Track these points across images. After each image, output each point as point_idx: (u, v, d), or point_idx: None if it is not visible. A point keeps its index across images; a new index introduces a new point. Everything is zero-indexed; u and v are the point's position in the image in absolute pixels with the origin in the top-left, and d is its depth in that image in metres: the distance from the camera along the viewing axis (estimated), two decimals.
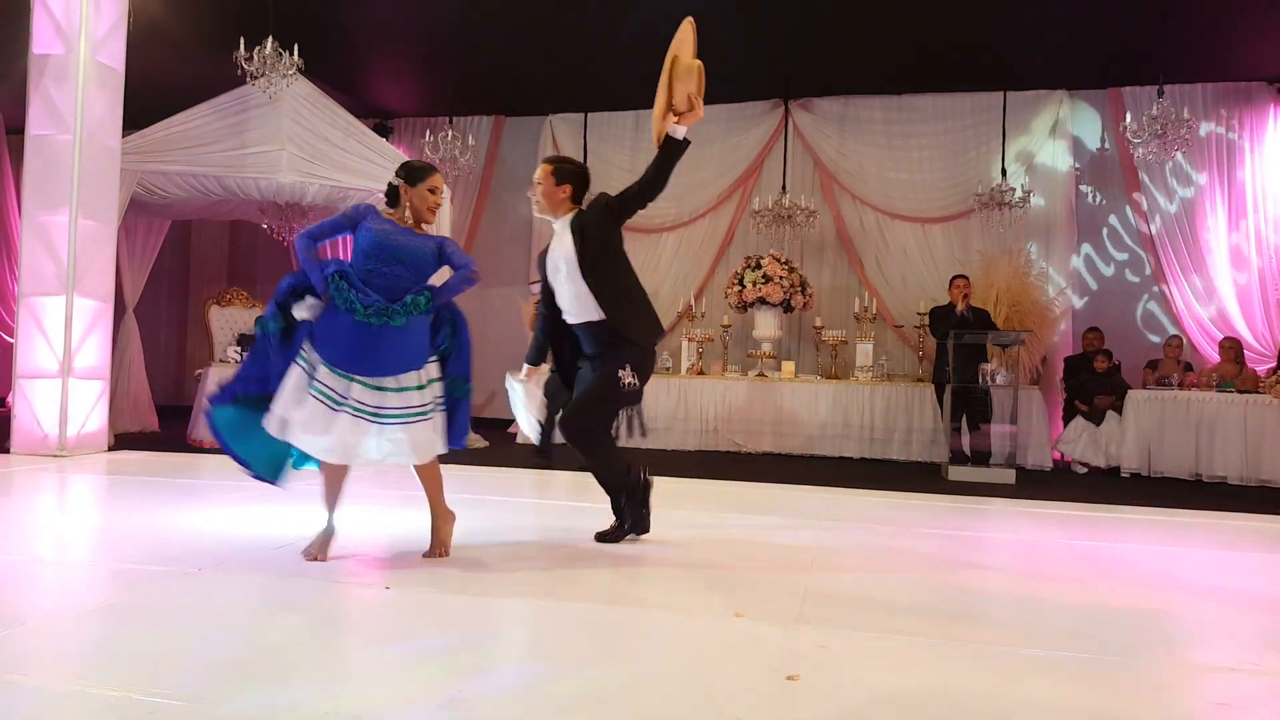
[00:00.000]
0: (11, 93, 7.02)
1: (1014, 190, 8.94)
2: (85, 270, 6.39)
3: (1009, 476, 6.75)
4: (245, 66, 6.88)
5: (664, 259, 10.28)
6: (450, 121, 10.10)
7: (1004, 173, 9.18)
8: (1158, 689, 2.31)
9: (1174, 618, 3.05)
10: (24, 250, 6.38)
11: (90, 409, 6.49)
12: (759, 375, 8.83)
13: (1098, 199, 9.45)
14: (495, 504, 5.08)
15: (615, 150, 10.38)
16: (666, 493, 5.67)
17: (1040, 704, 2.14)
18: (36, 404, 6.29)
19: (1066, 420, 8.23)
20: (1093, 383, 8.07)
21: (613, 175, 10.33)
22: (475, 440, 8.14)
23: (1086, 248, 9.45)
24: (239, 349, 7.82)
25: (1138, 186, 9.09)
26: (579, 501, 5.18)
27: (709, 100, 10.86)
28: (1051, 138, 9.35)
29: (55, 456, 6.20)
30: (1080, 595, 3.29)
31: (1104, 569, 3.76)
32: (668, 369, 9.17)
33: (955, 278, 7.83)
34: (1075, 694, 2.21)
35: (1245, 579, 3.85)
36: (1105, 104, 9.29)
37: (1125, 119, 8.18)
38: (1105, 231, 9.44)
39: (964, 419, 7.32)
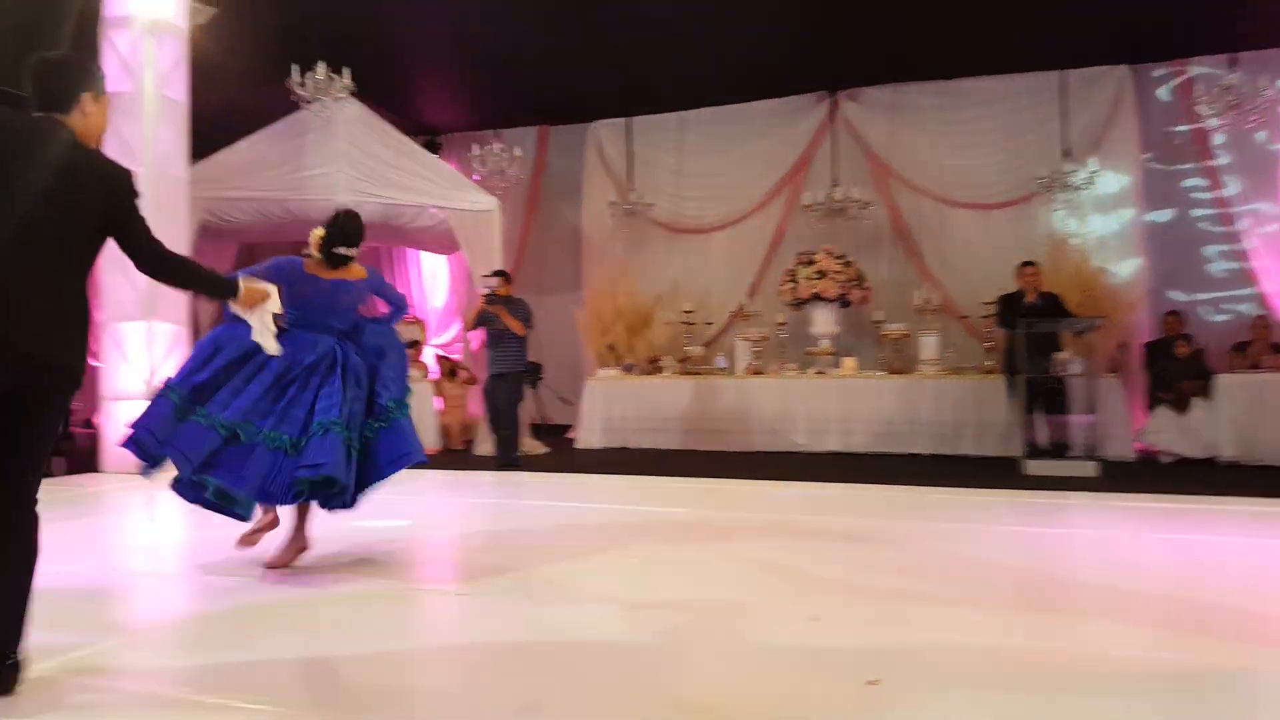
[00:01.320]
0: None
1: (1078, 171, 8.66)
2: (161, 296, 6.62)
3: (1090, 469, 6.47)
4: (299, 92, 7.06)
5: (714, 259, 10.23)
6: (497, 134, 10.22)
7: (1067, 154, 8.91)
8: (1258, 691, 2.21)
9: (1277, 615, 2.90)
10: (105, 279, 6.65)
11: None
12: (818, 373, 8.72)
13: (1168, 175, 9.07)
14: (559, 509, 5.12)
15: (660, 152, 10.38)
16: (733, 495, 5.64)
17: (1133, 707, 2.06)
18: (123, 424, 6.52)
19: (1150, 409, 7.88)
20: (1174, 369, 7.73)
21: (659, 177, 10.35)
22: (536, 446, 8.21)
23: (1159, 226, 9.08)
24: None
25: (1211, 160, 8.65)
26: (650, 506, 5.19)
27: (754, 97, 10.75)
28: (1116, 115, 8.97)
29: (142, 474, 6.43)
30: (1173, 592, 3.16)
31: (1197, 564, 3.60)
32: (723, 369, 9.12)
33: (1023, 265, 7.59)
34: (1170, 697, 2.13)
35: None
36: (1173, 76, 8.92)
37: (1196, 91, 7.79)
38: (1178, 210, 9.05)
39: (1038, 411, 7.08)
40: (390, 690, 2.17)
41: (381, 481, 3.50)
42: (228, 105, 8.06)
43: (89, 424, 8.57)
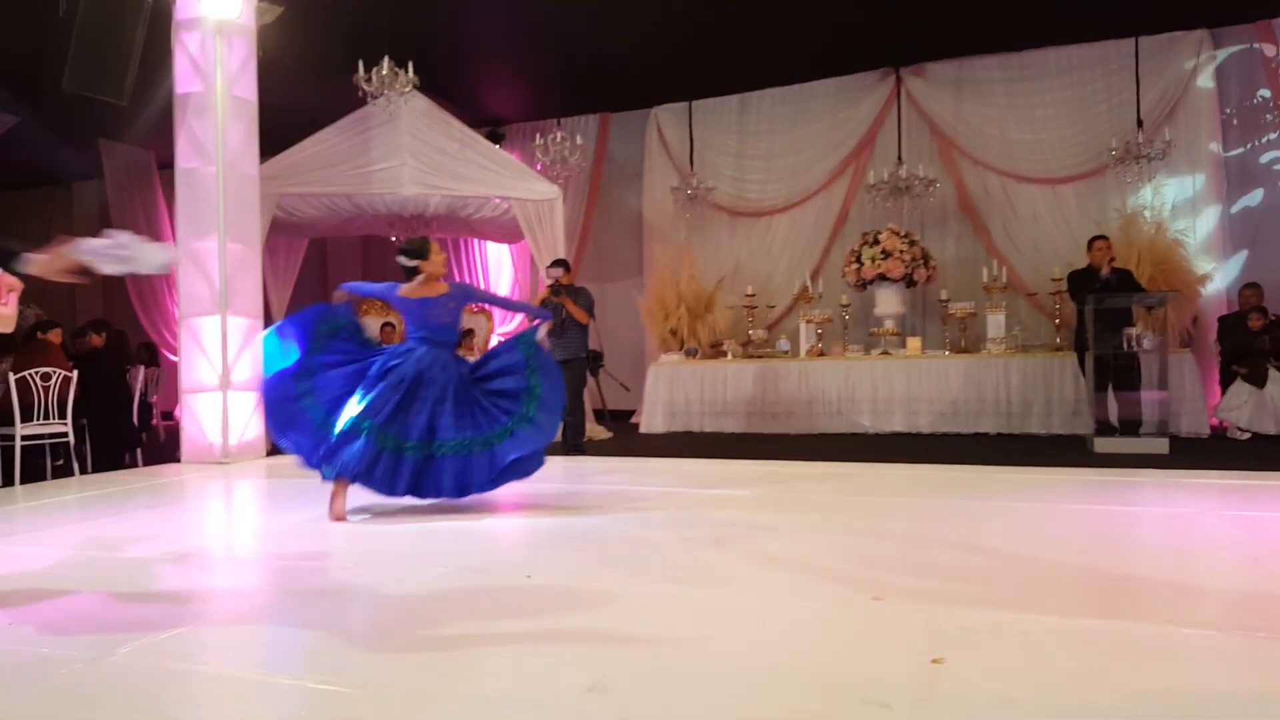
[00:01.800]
0: (160, 130, 7.59)
1: (1152, 143, 8.33)
2: (235, 291, 6.86)
3: (1162, 446, 6.31)
4: (365, 87, 7.20)
5: (776, 241, 10.14)
6: (558, 123, 10.28)
7: (1140, 124, 8.57)
8: None
9: None
10: (181, 276, 6.91)
11: (248, 419, 6.98)
12: (883, 354, 8.59)
13: (1249, 144, 8.68)
14: (624, 492, 5.16)
15: (721, 135, 10.31)
16: (796, 477, 5.62)
17: (1204, 688, 2.01)
18: (201, 416, 6.81)
19: (1225, 385, 7.62)
20: (1250, 342, 7.44)
21: (719, 161, 10.29)
22: (600, 431, 8.28)
23: (1240, 199, 8.71)
24: None
25: None
26: (713, 489, 5.19)
27: (815, 76, 10.61)
28: (1193, 81, 8.64)
29: (220, 464, 6.70)
30: (1247, 572, 3.07)
31: (1273, 543, 3.49)
32: (785, 352, 9.05)
33: (1095, 239, 7.34)
34: (1242, 678, 2.07)
35: None
36: (1254, 37, 8.51)
37: (1278, 52, 7.47)
38: (1260, 180, 8.66)
39: (1110, 387, 6.88)
40: (459, 670, 2.23)
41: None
42: (295, 102, 8.29)
43: (169, 416, 8.94)
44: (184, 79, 6.77)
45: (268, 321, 8.07)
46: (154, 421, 9.28)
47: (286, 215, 8.26)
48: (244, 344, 6.95)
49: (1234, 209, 8.69)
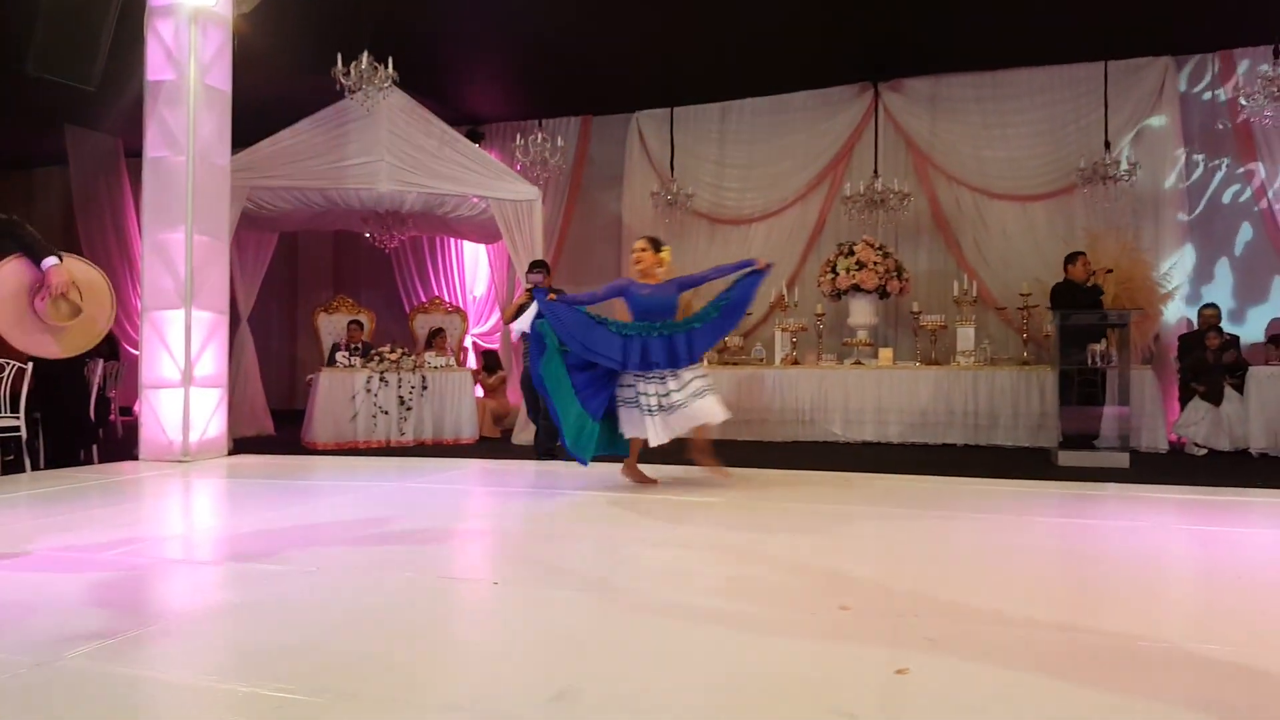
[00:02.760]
0: (129, 118, 7.45)
1: (1119, 163, 8.48)
2: (201, 284, 6.74)
3: (1123, 460, 6.43)
4: (343, 81, 7.12)
5: (754, 249, 10.14)
6: (539, 124, 10.23)
7: (1108, 145, 8.72)
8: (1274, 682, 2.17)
9: None
10: (145, 267, 6.78)
11: (210, 415, 6.86)
12: (855, 363, 8.64)
13: (1210, 168, 8.88)
14: (596, 497, 5.13)
15: (701, 143, 10.33)
16: (766, 483, 5.63)
17: (1165, 699, 2.03)
18: (161, 412, 6.68)
19: (1184, 402, 7.78)
20: (1207, 361, 7.61)
21: (700, 168, 10.30)
22: None
23: (1199, 218, 8.90)
24: (346, 355, 8.13)
25: (1254, 154, 8.51)
26: (685, 495, 5.18)
27: (796, 88, 10.70)
28: (1157, 106, 8.83)
29: (180, 461, 6.57)
30: (1204, 585, 3.13)
31: (1229, 556, 3.56)
32: (760, 360, 9.08)
33: (1079, 254, 7.52)
34: (1203, 688, 2.10)
35: None
36: (1216, 67, 8.72)
37: (1237, 82, 7.65)
38: (1219, 201, 8.87)
39: (1074, 402, 7.00)
40: (423, 678, 2.19)
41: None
42: (270, 94, 8.17)
43: (128, 411, 8.76)
44: (156, 66, 6.65)
45: (233, 317, 7.96)
46: (112, 417, 9.09)
47: (257, 208, 8.14)
48: (208, 339, 6.83)
49: (1195, 230, 8.87)
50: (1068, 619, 2.68)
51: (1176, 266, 8.64)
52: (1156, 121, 8.85)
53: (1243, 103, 7.37)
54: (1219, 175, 8.87)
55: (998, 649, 2.37)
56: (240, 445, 7.58)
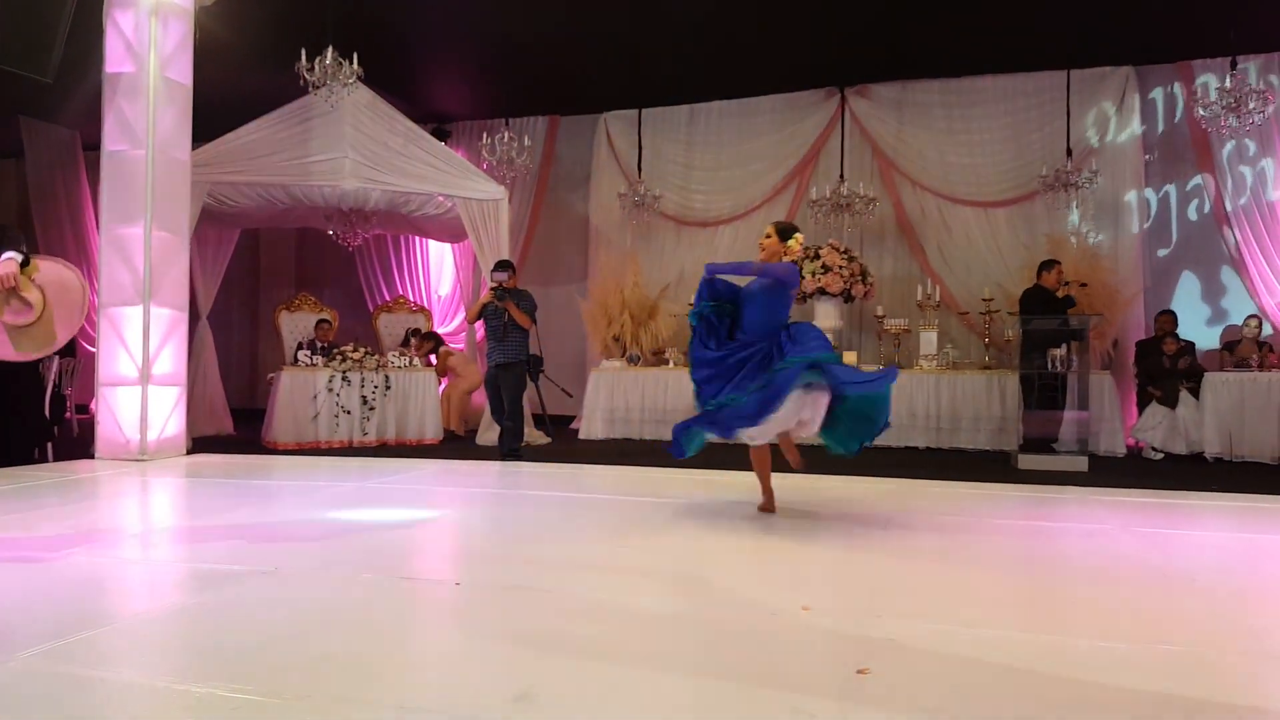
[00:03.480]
0: (87, 111, 7.30)
1: (1080, 171, 8.65)
2: (160, 281, 6.61)
3: (1081, 464, 6.55)
4: (307, 77, 7.03)
5: (721, 252, 10.20)
6: (506, 123, 10.19)
7: (1069, 153, 8.88)
8: (1239, 679, 2.23)
9: (1256, 606, 2.96)
10: (103, 263, 6.64)
11: (168, 414, 6.73)
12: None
13: (1168, 176, 9.09)
14: (560, 499, 5.11)
15: (669, 144, 10.35)
16: (730, 485, 5.65)
17: (1121, 697, 2.07)
18: (118, 410, 6.54)
19: (1141, 406, 7.95)
20: (1164, 366, 7.79)
21: (667, 169, 10.32)
22: (538, 436, 8.22)
23: (1157, 227, 9.10)
24: (308, 354, 8.02)
25: (1211, 163, 8.71)
26: (648, 496, 5.19)
27: (764, 91, 10.73)
28: (1118, 115, 9.01)
29: (137, 460, 6.44)
30: (1160, 584, 3.19)
31: (1184, 557, 3.64)
32: None
33: (1053, 262, 7.70)
34: (1156, 686, 2.14)
35: None
36: (1175, 78, 8.92)
37: (1196, 93, 7.86)
38: (1176, 210, 9.08)
39: (1034, 406, 7.12)
40: (380, 680, 2.16)
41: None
42: (233, 89, 8.05)
43: (84, 409, 8.57)
44: (115, 58, 6.52)
45: (193, 314, 7.82)
46: (67, 415, 8.89)
47: (218, 204, 8.01)
48: (166, 336, 6.71)
49: (1153, 237, 9.06)
50: (1026, 620, 2.73)
51: (1134, 273, 8.82)
52: (1117, 130, 9.03)
53: (1200, 113, 7.54)
54: (1177, 184, 9.06)
55: (957, 649, 2.40)
56: (199, 444, 7.45)
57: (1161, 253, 9.10)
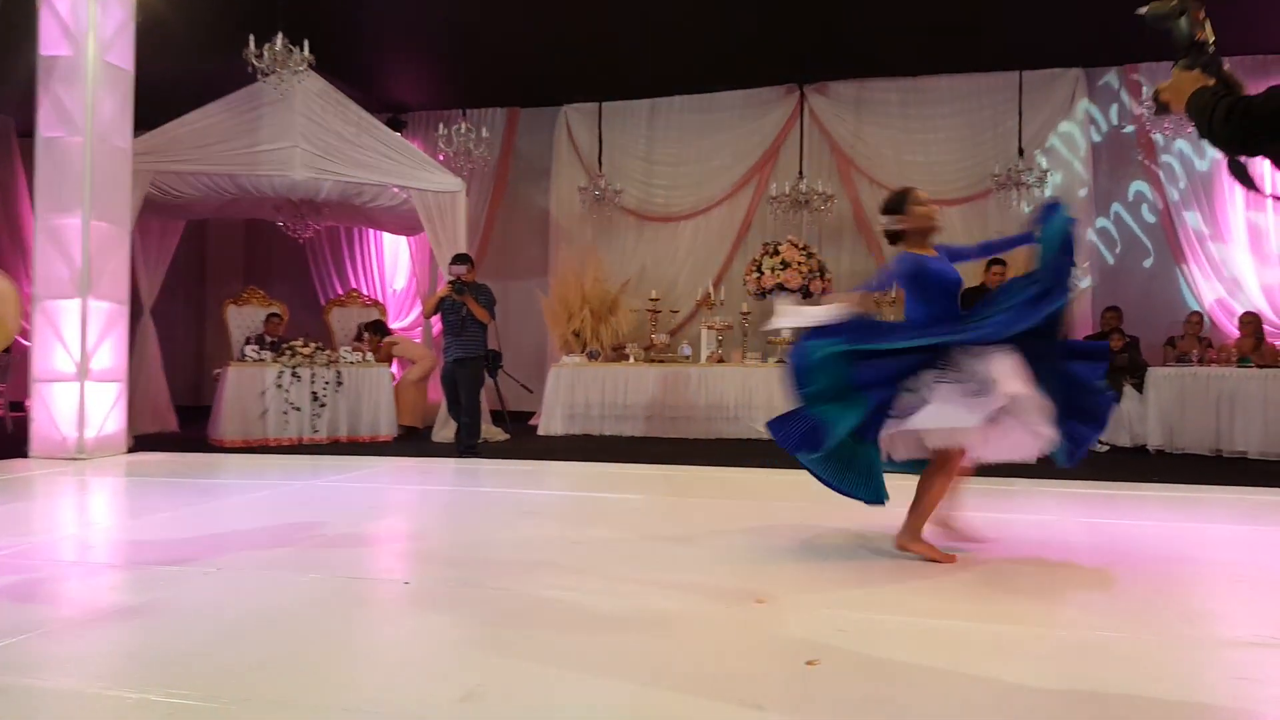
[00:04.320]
0: (20, 95, 7.02)
1: (1031, 170, 8.80)
2: (100, 273, 6.39)
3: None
4: (255, 63, 6.85)
5: (681, 247, 10.20)
6: (464, 114, 10.05)
7: (1021, 152, 9.03)
8: (1180, 665, 2.28)
9: (1196, 594, 3.03)
10: (38, 254, 6.40)
11: (108, 411, 6.51)
12: (779, 361, 8.74)
13: (1115, 177, 9.29)
14: (516, 496, 5.05)
15: (630, 139, 10.30)
16: (691, 479, 5.63)
17: (1063, 684, 2.09)
18: (54, 407, 6.31)
19: None
20: (1109, 362, 7.97)
21: (628, 164, 10.27)
22: (496, 432, 8.12)
23: (1105, 225, 9.30)
24: (256, 349, 7.82)
25: (1155, 163, 8.93)
26: (607, 492, 5.14)
27: (724, 87, 10.74)
28: (1068, 116, 9.20)
29: (74, 459, 6.22)
30: (1102, 574, 3.24)
31: (1126, 547, 3.70)
32: (687, 357, 9.11)
33: (993, 263, 7.76)
34: (1099, 673, 2.17)
35: (1266, 553, 3.80)
36: (1122, 81, 9.13)
37: (1141, 95, 8.03)
38: (1123, 209, 9.29)
39: None
40: (323, 682, 2.10)
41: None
42: (177, 74, 7.82)
43: (18, 406, 8.26)
44: (50, 40, 6.28)
45: (136, 308, 7.58)
46: (0, 412, 8.59)
47: (162, 194, 7.76)
48: (106, 331, 6.49)
49: (1100, 235, 9.25)
50: (974, 609, 2.75)
51: (1081, 270, 9.00)
52: (1067, 130, 9.20)
53: (1143, 112, 7.71)
54: (1124, 183, 9.26)
55: (906, 640, 2.41)
56: (141, 442, 7.22)
57: (1108, 250, 9.30)
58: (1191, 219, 8.83)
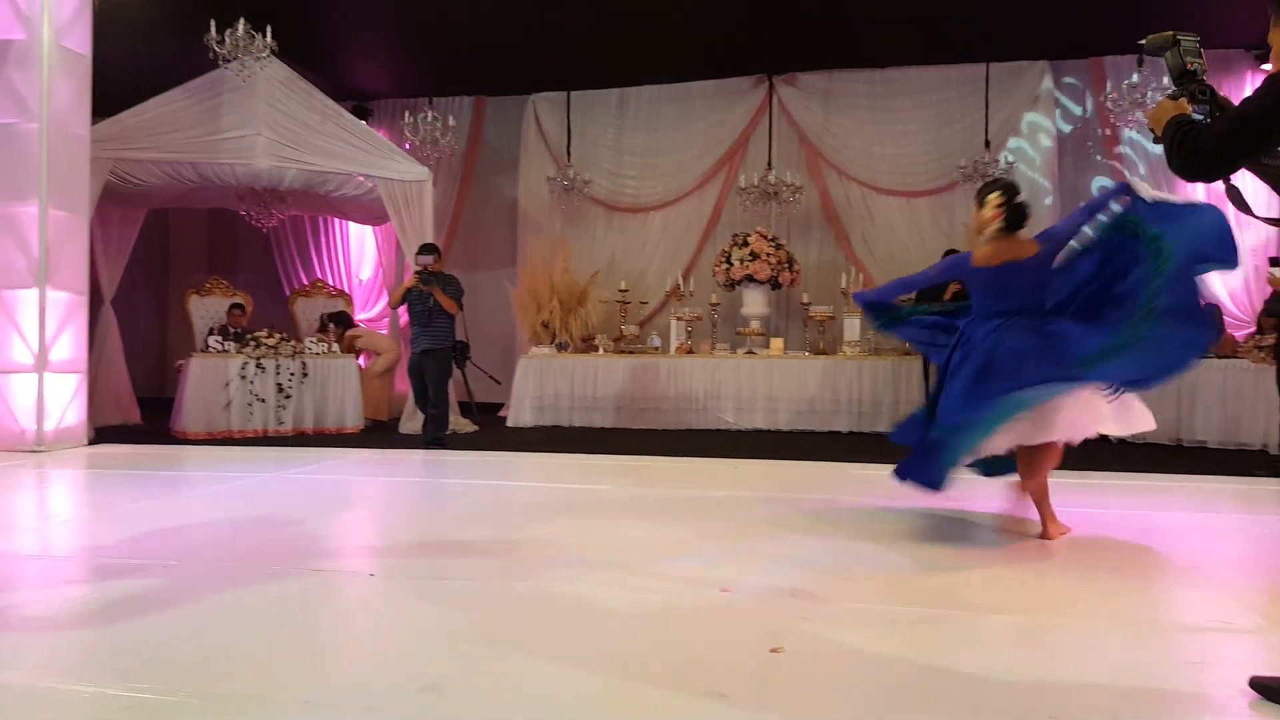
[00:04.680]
0: None
1: (997, 162, 8.89)
2: (58, 262, 6.26)
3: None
4: (217, 50, 6.73)
5: (651, 238, 10.20)
6: (430, 103, 9.95)
7: (987, 144, 9.12)
8: (1134, 651, 2.32)
9: (1153, 580, 3.09)
10: None
11: (68, 403, 6.40)
12: (748, 353, 8.78)
13: (1080, 168, 9.41)
14: (483, 488, 5.04)
15: (599, 129, 10.25)
16: (660, 470, 5.65)
17: (1020, 671, 2.13)
18: (12, 399, 6.18)
19: None
20: None
21: (597, 154, 10.24)
22: (465, 424, 8.08)
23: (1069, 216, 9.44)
24: (219, 340, 7.71)
25: (1118, 155, 9.06)
26: (575, 484, 5.15)
27: (693, 77, 10.70)
28: (1034, 108, 9.29)
29: (33, 452, 6.11)
30: (1061, 562, 3.29)
31: (1086, 535, 3.75)
32: (656, 348, 9.12)
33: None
34: (1055, 660, 2.21)
35: (1223, 540, 3.89)
36: (1087, 73, 9.24)
37: (1106, 88, 8.14)
38: (1086, 200, 9.41)
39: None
40: (285, 675, 2.09)
41: None
42: (137, 60, 7.66)
43: None
44: (2, 24, 6.11)
45: (96, 298, 7.44)
46: None
47: (122, 182, 7.61)
48: (65, 321, 6.38)
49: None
50: (933, 597, 2.79)
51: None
52: (1032, 122, 9.30)
53: (1109, 107, 7.81)
54: (1088, 174, 9.37)
55: (870, 628, 2.44)
56: (103, 435, 7.10)
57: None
58: None
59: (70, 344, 6.44)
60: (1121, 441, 7.38)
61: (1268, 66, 7.45)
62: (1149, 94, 7.53)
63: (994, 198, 3.68)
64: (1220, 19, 8.07)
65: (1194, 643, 2.40)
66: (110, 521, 3.93)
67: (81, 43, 6.39)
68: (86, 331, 6.74)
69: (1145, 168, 9.03)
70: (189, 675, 2.03)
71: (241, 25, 6.68)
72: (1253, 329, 7.89)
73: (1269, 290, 5.90)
